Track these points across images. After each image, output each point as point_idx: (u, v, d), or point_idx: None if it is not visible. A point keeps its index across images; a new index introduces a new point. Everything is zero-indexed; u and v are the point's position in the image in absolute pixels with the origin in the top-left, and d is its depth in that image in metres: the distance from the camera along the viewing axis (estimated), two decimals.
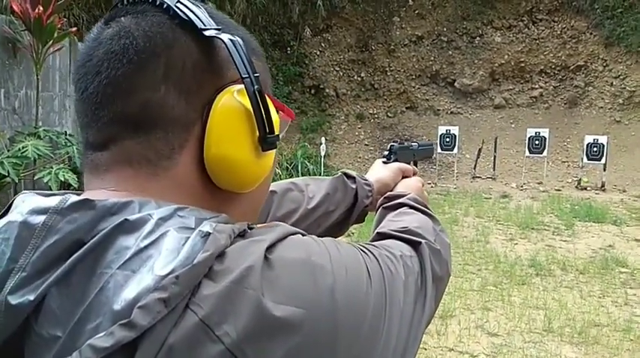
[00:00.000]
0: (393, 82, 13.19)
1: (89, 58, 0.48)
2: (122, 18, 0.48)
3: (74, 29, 5.36)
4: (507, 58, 12.83)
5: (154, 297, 0.37)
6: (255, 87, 0.47)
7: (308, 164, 10.54)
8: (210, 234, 0.41)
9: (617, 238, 6.51)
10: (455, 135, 10.65)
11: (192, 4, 0.48)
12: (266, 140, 0.49)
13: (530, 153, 10.52)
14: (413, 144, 1.05)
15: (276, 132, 0.50)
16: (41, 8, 4.53)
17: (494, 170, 11.18)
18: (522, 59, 12.80)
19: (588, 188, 10.16)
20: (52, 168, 4.46)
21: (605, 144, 10.06)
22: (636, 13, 11.81)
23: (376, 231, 0.66)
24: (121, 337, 0.36)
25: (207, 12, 0.49)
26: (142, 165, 0.47)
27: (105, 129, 0.47)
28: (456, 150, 10.75)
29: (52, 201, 0.43)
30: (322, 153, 10.58)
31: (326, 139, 11.57)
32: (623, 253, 5.73)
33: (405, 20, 13.18)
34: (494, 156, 11.20)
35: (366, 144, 12.51)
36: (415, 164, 1.03)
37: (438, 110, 12.99)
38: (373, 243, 0.57)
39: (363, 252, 0.50)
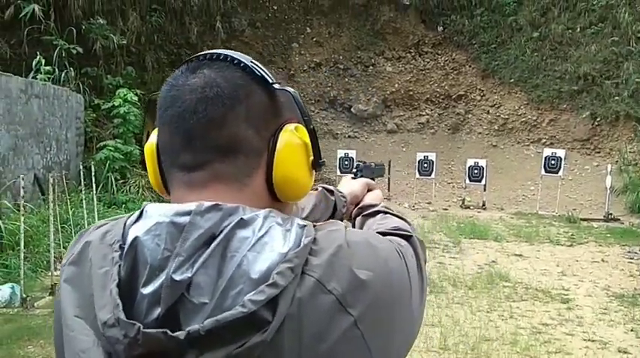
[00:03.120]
0: None
1: (182, 100, 0.62)
2: (205, 70, 0.63)
3: None
4: (398, 87, 13.66)
5: (285, 266, 0.53)
6: (311, 126, 0.67)
7: None
8: (305, 226, 0.58)
9: (499, 253, 7.11)
10: (352, 159, 11.04)
11: (259, 63, 0.66)
12: (318, 164, 0.68)
13: (420, 175, 11.22)
14: (372, 163, 1.26)
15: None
16: None
17: (389, 191, 11.72)
18: (411, 88, 13.71)
19: (471, 207, 11.04)
20: None
21: (484, 166, 11.03)
22: (507, 49, 13.25)
23: (375, 231, 0.81)
24: (270, 293, 0.51)
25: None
26: (231, 182, 0.62)
27: (200, 155, 0.61)
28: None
29: (191, 206, 0.57)
30: None
31: None
32: (505, 268, 6.26)
33: (303, 47, 13.52)
34: (389, 178, 11.77)
35: None
36: (373, 180, 1.22)
37: (337, 134, 13.41)
38: None
39: (387, 239, 0.68)
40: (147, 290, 0.53)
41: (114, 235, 0.59)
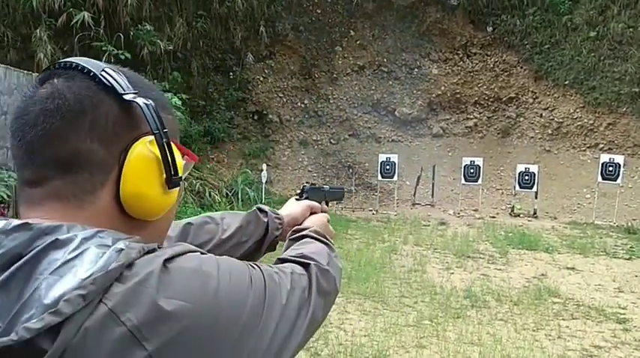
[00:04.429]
0: (336, 110, 13.27)
1: (26, 112, 0.60)
2: (54, 80, 0.60)
3: None
4: (444, 89, 13.25)
5: (75, 293, 0.50)
6: (164, 140, 0.62)
7: (249, 191, 10.28)
8: (123, 249, 0.54)
9: (550, 266, 6.67)
10: (395, 163, 10.77)
11: (114, 71, 0.61)
12: (171, 181, 0.63)
13: (465, 181, 10.80)
14: (325, 186, 1.20)
15: (180, 174, 0.64)
16: None
17: (432, 197, 11.37)
18: (458, 90, 13.26)
19: (521, 215, 10.51)
20: None
21: (536, 172, 10.48)
22: (562, 49, 12.58)
23: (277, 257, 0.82)
24: (49, 321, 0.48)
25: (127, 77, 0.62)
26: (70, 200, 0.59)
27: (39, 171, 0.59)
28: (395, 178, 10.86)
29: None
30: (263, 180, 10.37)
31: (268, 165, 11.37)
32: (555, 282, 5.85)
33: (347, 50, 13.37)
34: (433, 184, 11.41)
35: (309, 171, 12.43)
36: (327, 203, 1.18)
37: (380, 138, 13.16)
38: (269, 265, 0.72)
39: (251, 266, 0.65)
40: None
41: None
